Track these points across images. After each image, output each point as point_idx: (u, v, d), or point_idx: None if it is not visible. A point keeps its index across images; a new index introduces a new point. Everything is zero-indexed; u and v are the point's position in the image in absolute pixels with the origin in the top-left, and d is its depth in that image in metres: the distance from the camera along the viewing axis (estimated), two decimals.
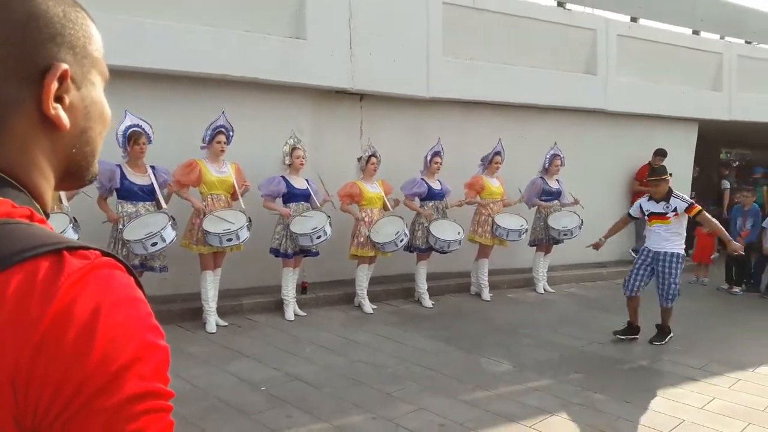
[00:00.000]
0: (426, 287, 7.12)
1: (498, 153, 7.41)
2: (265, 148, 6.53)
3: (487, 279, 7.51)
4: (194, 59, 6.01)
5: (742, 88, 10.57)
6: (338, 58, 6.82)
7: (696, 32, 10.36)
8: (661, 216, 5.92)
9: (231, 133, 5.90)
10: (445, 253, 6.93)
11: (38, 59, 0.71)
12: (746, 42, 10.98)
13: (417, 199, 6.97)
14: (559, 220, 7.80)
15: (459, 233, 6.88)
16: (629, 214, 6.47)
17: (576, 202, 7.80)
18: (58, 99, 0.72)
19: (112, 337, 0.62)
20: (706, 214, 5.97)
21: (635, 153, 9.74)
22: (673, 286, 5.89)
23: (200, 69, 6.11)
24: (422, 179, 6.97)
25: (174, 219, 5.37)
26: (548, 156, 7.92)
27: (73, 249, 0.66)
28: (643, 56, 9.43)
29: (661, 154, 9.54)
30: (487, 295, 7.49)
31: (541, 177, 7.91)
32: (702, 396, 4.76)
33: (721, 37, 10.65)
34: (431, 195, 6.98)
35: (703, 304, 8.04)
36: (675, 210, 5.84)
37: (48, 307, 0.61)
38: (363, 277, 6.69)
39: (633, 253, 9.74)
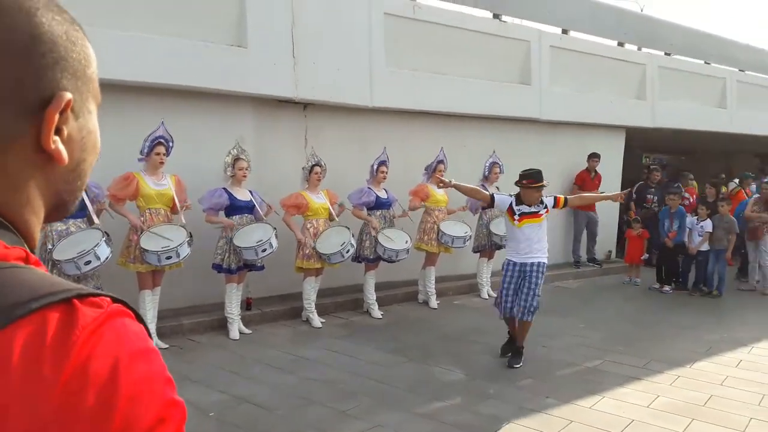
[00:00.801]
0: (374, 297, 7.07)
1: (441, 161, 7.47)
2: (206, 159, 6.31)
3: (434, 287, 7.55)
4: (131, 67, 5.73)
5: (664, 97, 11.13)
6: (281, 67, 6.69)
7: (621, 44, 10.82)
8: (533, 215, 5.54)
9: (171, 144, 5.67)
10: (393, 262, 6.91)
11: (40, 87, 0.64)
12: (666, 54, 11.56)
13: (365, 209, 6.92)
14: (500, 226, 7.92)
15: (407, 242, 6.88)
16: (492, 198, 5.79)
17: None
18: (57, 131, 0.66)
19: (133, 396, 0.57)
20: (570, 196, 6.26)
21: (569, 159, 10.06)
22: (537, 298, 5.53)
23: (137, 78, 5.84)
24: (369, 188, 6.93)
25: (108, 235, 5.07)
26: (487, 164, 8.09)
27: (83, 296, 0.59)
28: (574, 67, 9.76)
29: (595, 157, 9.94)
30: (434, 302, 7.52)
31: (482, 184, 8.03)
32: (646, 395, 4.92)
33: (639, 49, 11.18)
34: (379, 204, 6.95)
35: (637, 304, 8.38)
36: (546, 206, 5.59)
37: (62, 367, 0.55)
38: (310, 290, 6.56)
39: (576, 261, 10.07)
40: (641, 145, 13.28)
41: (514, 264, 5.60)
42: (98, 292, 0.62)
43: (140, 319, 0.64)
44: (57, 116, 0.65)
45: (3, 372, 0.54)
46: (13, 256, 0.61)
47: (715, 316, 7.77)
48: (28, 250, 0.65)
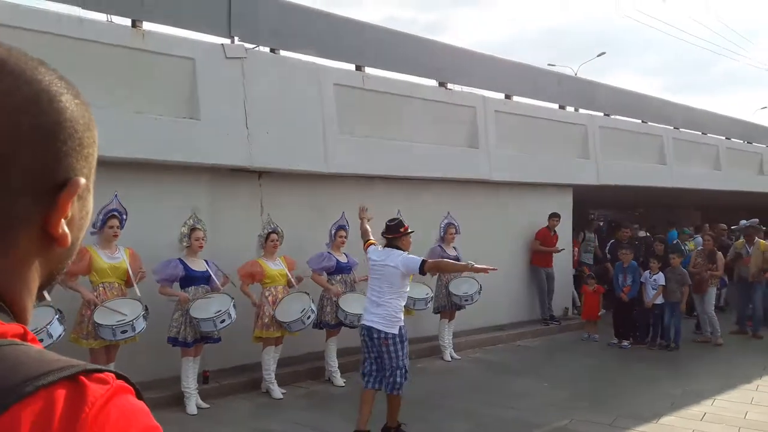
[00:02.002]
0: (337, 364, 6.92)
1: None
2: (161, 230, 6.20)
3: None
4: None
5: (606, 156, 11.61)
6: (234, 137, 6.72)
7: (562, 107, 11.34)
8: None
9: (124, 217, 5.57)
10: (355, 327, 6.80)
11: (58, 173, 0.64)
12: (605, 114, 12.15)
13: (324, 274, 6.85)
14: (459, 287, 8.01)
15: None
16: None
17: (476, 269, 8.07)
18: None
19: None
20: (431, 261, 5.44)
21: (521, 218, 10.28)
22: (393, 371, 4.94)
23: None
24: (329, 253, 6.90)
25: (61, 312, 4.87)
26: (443, 225, 8.23)
27: (89, 372, 0.59)
28: (519, 129, 10.13)
29: (555, 216, 10.17)
30: None
31: (439, 245, 8.14)
32: None
33: (576, 110, 11.72)
34: (339, 269, 6.90)
35: (598, 360, 8.45)
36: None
37: None
38: (270, 360, 6.38)
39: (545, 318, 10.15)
40: (588, 201, 13.73)
41: (362, 328, 5.17)
42: (103, 368, 0.61)
43: (140, 395, 0.64)
44: (70, 202, 0.64)
45: None
46: (11, 332, 0.60)
47: (675, 369, 7.89)
48: (25, 327, 0.64)
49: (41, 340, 4.40)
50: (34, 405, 0.54)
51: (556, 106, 11.23)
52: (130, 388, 0.62)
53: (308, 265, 6.80)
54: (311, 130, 7.41)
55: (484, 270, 5.30)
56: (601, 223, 13.77)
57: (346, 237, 6.98)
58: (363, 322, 5.14)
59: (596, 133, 11.55)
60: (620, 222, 12.75)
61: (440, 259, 5.96)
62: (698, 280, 9.49)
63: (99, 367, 0.61)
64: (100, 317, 5.15)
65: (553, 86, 11.31)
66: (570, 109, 11.54)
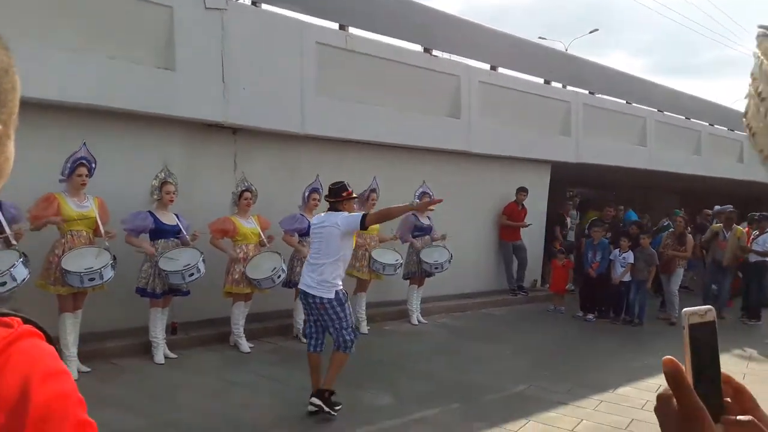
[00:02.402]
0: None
1: (374, 190, 7.57)
2: (132, 182, 6.16)
3: (365, 312, 7.56)
4: (55, 87, 5.56)
5: (587, 134, 11.67)
6: (210, 91, 6.65)
7: (548, 82, 11.33)
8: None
9: (93, 166, 5.51)
10: None
11: None
12: (590, 92, 12.17)
13: (296, 235, 6.89)
14: (430, 255, 8.09)
15: None
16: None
17: (443, 237, 8.17)
18: None
19: (44, 416, 0.57)
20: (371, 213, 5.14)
21: (497, 191, 10.36)
22: (339, 330, 4.76)
23: (62, 98, 5.67)
24: (302, 215, 6.92)
25: (26, 256, 4.86)
26: (417, 194, 8.25)
27: None
28: (502, 102, 10.13)
29: (523, 190, 10.25)
30: (365, 328, 7.52)
31: (413, 214, 8.16)
32: (571, 419, 5.05)
33: (564, 86, 11.73)
34: (311, 230, 6.92)
35: (562, 331, 8.63)
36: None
37: None
38: (239, 315, 6.45)
39: (512, 289, 10.30)
40: (566, 179, 13.84)
41: (302, 293, 5.01)
42: (8, 312, 0.62)
43: (50, 340, 0.64)
44: None
45: None
46: None
47: (636, 344, 8.09)
48: None
49: (3, 283, 4.45)
50: None
51: (541, 80, 11.23)
52: (38, 332, 0.63)
53: (280, 225, 6.81)
54: (289, 88, 7.35)
55: (429, 206, 5.37)
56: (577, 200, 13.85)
57: (319, 200, 6.98)
58: (300, 285, 5.05)
59: (579, 110, 11.58)
60: (595, 201, 12.90)
61: (381, 208, 5.31)
62: (666, 260, 9.67)
63: (4, 311, 0.62)
64: (68, 263, 5.14)
65: (540, 60, 11.27)
66: (556, 85, 11.54)
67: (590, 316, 9.50)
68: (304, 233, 6.91)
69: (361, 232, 7.38)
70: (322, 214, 5.05)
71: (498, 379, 6.05)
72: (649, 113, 13.43)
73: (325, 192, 5.29)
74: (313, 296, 4.76)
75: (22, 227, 5.11)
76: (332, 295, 4.73)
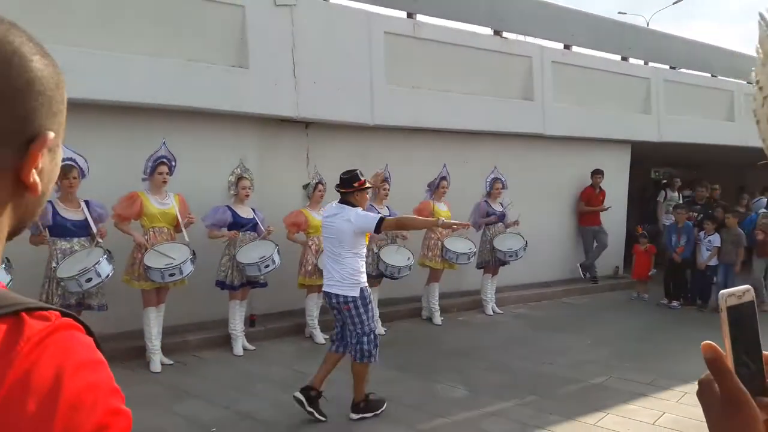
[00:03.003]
0: (378, 314, 7.01)
1: (444, 178, 7.50)
2: (209, 178, 6.38)
3: (437, 303, 7.52)
4: (133, 89, 5.83)
5: (670, 111, 11.10)
6: (282, 86, 6.77)
7: (625, 59, 10.83)
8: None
9: (173, 164, 5.73)
10: (395, 278, 6.90)
11: (30, 127, 0.68)
12: (671, 67, 11.55)
13: None
14: (504, 242, 7.93)
15: (409, 258, 6.87)
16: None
17: (515, 223, 7.99)
18: None
19: (75, 404, 0.59)
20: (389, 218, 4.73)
21: (574, 174, 10.04)
22: (360, 337, 4.43)
23: (140, 99, 5.93)
24: (372, 205, 6.94)
25: (110, 252, 5.13)
26: (489, 180, 8.10)
27: (32, 310, 0.62)
28: (577, 82, 9.77)
29: (598, 173, 9.89)
30: (438, 319, 7.49)
31: (485, 200, 8.06)
32: (652, 411, 4.86)
33: (646, 63, 11.18)
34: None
35: (645, 320, 8.30)
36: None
37: (5, 376, 0.57)
38: (313, 306, 6.57)
39: (582, 271, 9.99)
40: (648, 159, 13.22)
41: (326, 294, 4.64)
42: (48, 306, 0.64)
43: (90, 332, 0.67)
44: (40, 154, 0.69)
45: None
46: None
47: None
48: None
49: (90, 279, 4.72)
50: None
51: (618, 57, 10.74)
52: (77, 325, 0.65)
53: None
54: (358, 80, 7.37)
55: (452, 226, 5.02)
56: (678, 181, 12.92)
57: (389, 189, 7.00)
58: (323, 288, 4.67)
59: (660, 87, 11.03)
60: (688, 182, 12.24)
61: (403, 216, 5.11)
62: (762, 242, 9.04)
63: (44, 305, 0.64)
64: (150, 260, 5.38)
65: (617, 37, 10.78)
66: (635, 61, 11.02)
67: (675, 303, 9.07)
68: None
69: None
70: (333, 205, 4.63)
71: (576, 370, 5.88)
72: (736, 86, 12.60)
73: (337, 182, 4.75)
74: (336, 295, 4.43)
75: (103, 228, 5.37)
76: (356, 293, 4.40)
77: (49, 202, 5.08)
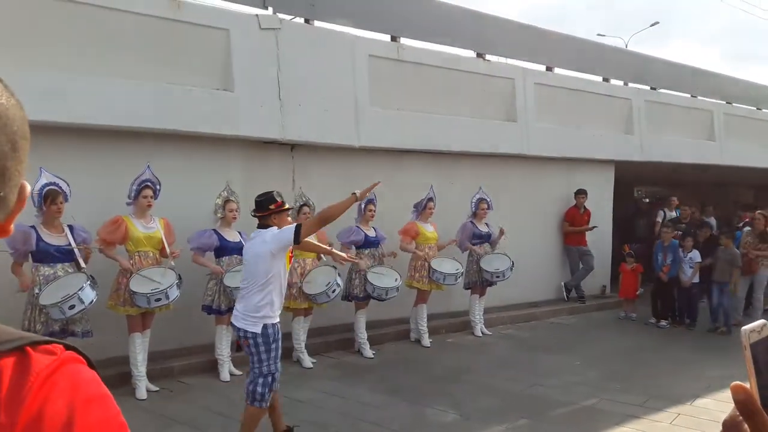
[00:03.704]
0: (366, 337, 6.98)
1: (431, 199, 7.50)
2: (195, 201, 6.31)
3: (426, 325, 7.47)
4: (117, 113, 5.79)
5: (651, 131, 11.24)
6: (268, 109, 6.76)
7: (606, 80, 10.98)
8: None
9: (158, 187, 5.68)
10: (383, 300, 6.85)
11: (20, 177, 0.69)
12: (651, 88, 11.73)
13: (353, 247, 6.89)
14: (491, 263, 7.92)
15: (396, 280, 6.83)
16: None
17: (501, 231, 8.02)
18: None
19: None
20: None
21: (558, 194, 10.11)
22: (255, 378, 4.08)
23: (124, 122, 5.88)
24: (358, 227, 6.92)
25: (93, 278, 5.04)
26: (474, 200, 8.11)
27: (36, 344, 0.62)
28: (559, 102, 9.88)
29: (581, 193, 9.97)
30: (426, 341, 7.43)
31: (471, 221, 8.06)
32: None
33: (625, 84, 11.34)
34: (367, 242, 6.93)
35: (634, 339, 8.29)
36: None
37: (19, 412, 0.56)
38: (299, 330, 6.49)
39: (566, 290, 10.00)
40: (631, 178, 13.36)
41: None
42: (51, 339, 0.64)
43: (92, 365, 0.66)
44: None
45: None
46: None
47: (714, 352, 7.65)
48: None
49: (72, 306, 4.62)
50: None
51: (600, 78, 10.90)
52: (81, 358, 0.65)
53: (337, 238, 6.83)
54: (343, 102, 7.39)
55: (341, 258, 5.05)
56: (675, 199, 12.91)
57: (375, 211, 6.98)
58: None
59: (641, 107, 11.19)
60: (669, 200, 12.34)
61: (321, 211, 4.49)
62: (747, 261, 9.10)
63: (47, 339, 0.64)
64: (136, 285, 5.30)
65: (598, 58, 10.95)
66: (616, 82, 11.18)
67: (663, 322, 9.07)
68: (361, 245, 6.92)
69: (419, 241, 7.36)
70: (253, 233, 4.35)
71: (566, 392, 5.85)
72: (716, 106, 12.83)
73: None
74: (237, 328, 4.11)
75: (90, 246, 5.29)
76: (257, 329, 4.02)
77: (32, 227, 5.00)
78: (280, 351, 4.15)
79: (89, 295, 4.90)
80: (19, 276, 4.96)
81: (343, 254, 5.18)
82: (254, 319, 4.02)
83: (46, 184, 5.10)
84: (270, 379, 4.07)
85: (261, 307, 4.01)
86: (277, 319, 4.12)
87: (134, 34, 6.04)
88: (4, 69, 5.17)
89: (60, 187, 5.14)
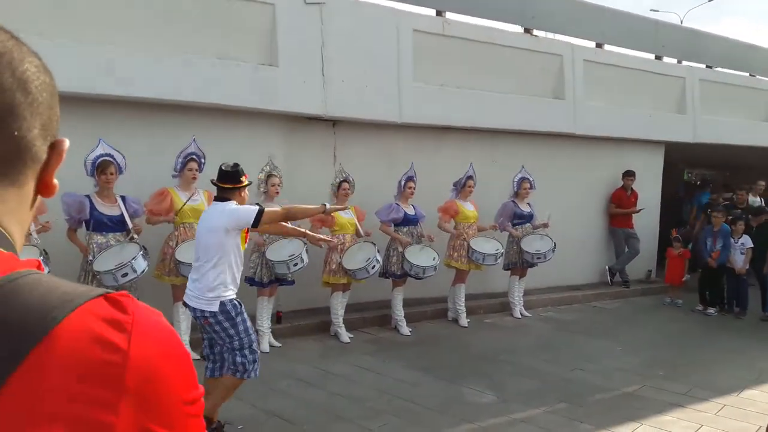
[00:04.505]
0: (403, 314, 6.99)
1: (470, 177, 7.39)
2: None
3: (464, 304, 7.42)
4: (164, 86, 5.87)
5: (705, 111, 10.82)
6: (311, 84, 6.74)
7: (659, 57, 10.58)
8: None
9: (203, 161, 5.76)
10: (420, 278, 6.83)
11: (55, 131, 0.73)
12: (707, 66, 11.26)
13: (392, 225, 6.87)
14: (531, 244, 7.79)
15: (434, 258, 6.79)
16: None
17: (544, 225, 7.83)
18: None
19: (176, 375, 0.66)
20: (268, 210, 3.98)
21: (605, 175, 9.86)
22: (232, 352, 3.94)
23: (170, 96, 5.96)
24: (397, 204, 6.88)
25: (145, 249, 5.20)
26: (516, 180, 7.96)
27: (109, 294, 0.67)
28: (609, 81, 9.57)
29: (630, 174, 9.69)
30: (464, 321, 7.39)
31: (513, 201, 7.92)
32: (689, 423, 4.70)
33: (679, 62, 10.90)
34: (406, 220, 6.89)
35: (679, 326, 8.07)
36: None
37: (126, 352, 0.61)
38: (338, 304, 6.54)
39: (610, 274, 9.80)
40: (682, 160, 12.93)
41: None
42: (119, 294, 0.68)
43: None
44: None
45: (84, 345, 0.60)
46: (32, 264, 0.67)
47: (764, 342, 7.40)
48: (39, 261, 0.71)
49: (125, 274, 4.76)
50: (83, 317, 0.61)
51: (652, 56, 10.50)
52: (156, 311, 0.70)
53: (377, 216, 6.82)
54: (386, 78, 7.32)
55: (318, 241, 4.80)
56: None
57: (414, 188, 6.93)
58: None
59: (696, 86, 10.75)
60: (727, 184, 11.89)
61: (291, 206, 4.42)
62: None
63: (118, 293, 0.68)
64: (181, 255, 5.41)
65: (650, 35, 10.53)
66: (670, 60, 10.76)
67: (711, 310, 8.79)
68: (400, 223, 6.89)
69: (459, 220, 7.28)
70: (208, 207, 4.07)
71: (608, 377, 5.74)
72: None
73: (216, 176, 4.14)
74: (193, 309, 3.92)
75: (140, 224, 5.43)
76: (215, 308, 3.82)
77: (87, 196, 5.17)
78: (248, 323, 3.97)
79: (141, 264, 5.06)
80: (76, 242, 5.21)
81: (322, 236, 5.04)
82: (209, 300, 3.83)
83: (101, 155, 5.25)
84: (249, 348, 3.92)
85: (216, 286, 3.83)
86: (234, 295, 3.93)
87: (181, 8, 6.08)
88: (66, 45, 5.29)
89: (113, 158, 5.27)
